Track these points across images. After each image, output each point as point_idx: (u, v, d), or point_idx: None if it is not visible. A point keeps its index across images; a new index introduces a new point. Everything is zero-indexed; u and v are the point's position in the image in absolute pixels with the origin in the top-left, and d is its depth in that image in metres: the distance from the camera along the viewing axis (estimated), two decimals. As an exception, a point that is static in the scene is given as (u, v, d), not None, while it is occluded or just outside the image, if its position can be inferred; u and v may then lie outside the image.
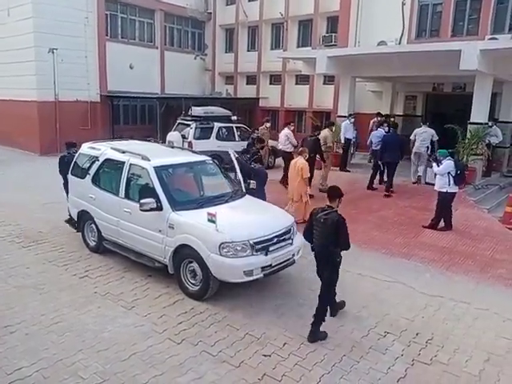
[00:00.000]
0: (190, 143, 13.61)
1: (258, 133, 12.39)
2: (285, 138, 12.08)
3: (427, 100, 16.54)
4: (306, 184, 9.00)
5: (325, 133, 11.87)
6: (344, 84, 14.37)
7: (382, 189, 11.42)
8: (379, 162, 11.64)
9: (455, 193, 8.72)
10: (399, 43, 15.14)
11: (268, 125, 13.68)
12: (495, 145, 12.62)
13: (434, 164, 8.86)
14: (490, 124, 12.04)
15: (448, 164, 8.48)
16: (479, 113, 11.36)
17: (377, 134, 12.32)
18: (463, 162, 10.02)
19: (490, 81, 11.28)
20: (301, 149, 9.39)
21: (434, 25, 15.39)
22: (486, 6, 14.00)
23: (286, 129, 12.35)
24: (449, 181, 8.47)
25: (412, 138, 12.19)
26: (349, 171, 13.37)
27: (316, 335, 4.90)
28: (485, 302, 5.88)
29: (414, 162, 12.19)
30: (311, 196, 9.42)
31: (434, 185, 9.09)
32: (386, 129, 11.98)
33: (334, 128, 12.50)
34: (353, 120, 13.84)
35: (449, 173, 8.45)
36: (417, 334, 5.08)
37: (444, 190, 8.57)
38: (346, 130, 13.57)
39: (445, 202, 8.66)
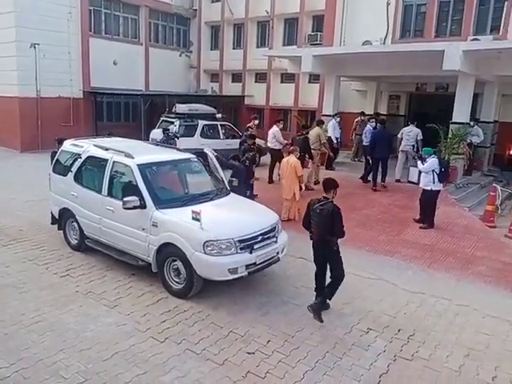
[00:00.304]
0: (174, 141, 13.54)
1: (253, 131, 12.45)
2: (271, 136, 12.13)
3: (411, 100, 16.75)
4: (301, 181, 9.14)
5: (317, 131, 11.93)
6: (329, 83, 14.45)
7: (370, 185, 11.65)
8: (368, 158, 11.97)
9: (439, 190, 8.89)
10: (384, 43, 15.28)
11: (256, 122, 13.69)
12: (476, 144, 12.82)
13: (419, 162, 8.99)
14: (471, 124, 12.24)
15: (432, 162, 8.64)
16: (461, 113, 11.53)
17: (368, 131, 12.69)
18: (446, 159, 10.18)
19: (471, 81, 11.46)
20: (292, 147, 9.52)
21: (418, 25, 15.59)
22: (468, 7, 14.24)
23: (274, 126, 12.42)
24: (433, 178, 8.62)
25: (399, 136, 12.36)
26: (334, 169, 13.47)
27: (320, 314, 5.31)
28: (465, 298, 5.98)
29: (400, 159, 12.38)
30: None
31: (416, 183, 9.21)
32: (373, 125, 12.23)
33: (323, 126, 12.59)
34: (338, 119, 13.94)
35: (433, 170, 8.59)
36: (399, 331, 5.14)
37: (429, 188, 8.71)
38: (334, 129, 13.67)
39: (429, 200, 8.80)
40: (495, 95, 13.38)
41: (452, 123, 11.55)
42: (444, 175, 8.77)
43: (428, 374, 4.42)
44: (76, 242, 7.19)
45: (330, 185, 5.34)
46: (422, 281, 6.57)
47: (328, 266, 5.42)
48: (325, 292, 5.44)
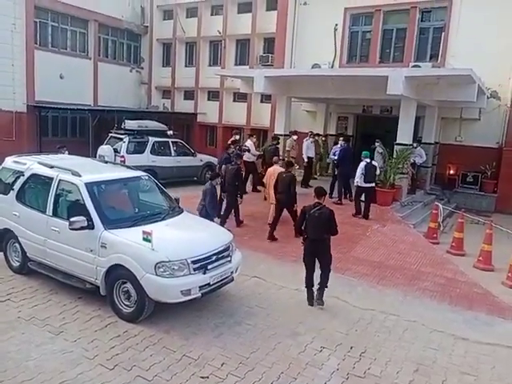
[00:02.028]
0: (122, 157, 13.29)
1: (244, 146, 12.89)
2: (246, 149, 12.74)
3: (358, 121, 17.40)
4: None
5: (289, 143, 13.22)
6: (280, 103, 14.74)
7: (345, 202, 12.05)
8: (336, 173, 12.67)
9: (364, 187, 10.67)
10: (332, 66, 15.87)
11: (237, 137, 13.95)
12: (419, 164, 13.50)
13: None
14: (414, 145, 12.88)
15: (360, 165, 10.62)
16: (404, 134, 12.09)
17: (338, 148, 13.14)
18: (375, 165, 11.05)
19: (414, 105, 12.10)
20: (275, 158, 10.71)
21: (363, 51, 16.37)
22: (409, 35, 15.16)
23: (248, 140, 13.43)
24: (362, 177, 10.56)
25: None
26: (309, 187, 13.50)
27: (322, 299, 6.19)
28: (413, 313, 6.20)
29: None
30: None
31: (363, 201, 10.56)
32: (342, 143, 12.90)
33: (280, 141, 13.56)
34: (311, 139, 14.11)
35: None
36: (351, 348, 5.22)
37: (357, 184, 10.69)
38: (308, 149, 13.90)
39: (356, 194, 10.88)
40: (435, 118, 14.21)
41: (396, 144, 12.10)
42: (367, 176, 10.61)
43: (380, 391, 4.50)
44: (18, 264, 6.78)
45: (322, 192, 6.28)
46: (372, 297, 6.74)
47: (317, 262, 6.22)
48: (321, 283, 6.21)
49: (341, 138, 13.45)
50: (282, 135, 14.13)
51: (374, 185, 10.92)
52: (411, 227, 10.55)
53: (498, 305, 6.70)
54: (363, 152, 11.05)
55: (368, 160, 10.75)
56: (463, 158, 14.38)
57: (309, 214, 6.10)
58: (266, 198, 11.14)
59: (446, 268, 8.12)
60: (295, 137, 13.56)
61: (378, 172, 11.03)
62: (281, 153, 12.90)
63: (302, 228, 6.32)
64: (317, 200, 6.19)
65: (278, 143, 12.99)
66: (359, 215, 10.75)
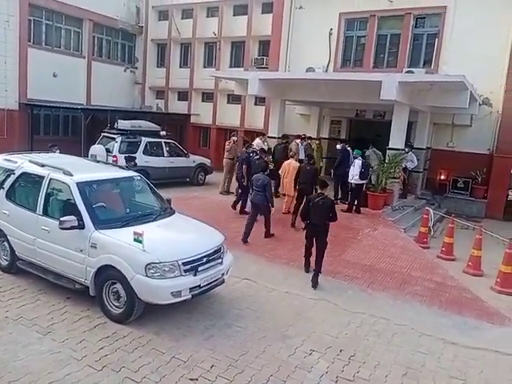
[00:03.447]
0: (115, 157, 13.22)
1: (265, 144, 13.19)
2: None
3: (351, 125, 17.48)
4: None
5: (295, 145, 13.35)
6: (274, 106, 14.76)
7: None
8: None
9: (360, 184, 11.23)
10: (326, 70, 15.94)
11: (235, 138, 13.96)
12: (411, 169, 13.59)
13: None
14: (406, 150, 12.96)
15: (357, 163, 11.11)
16: (397, 139, 12.16)
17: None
18: (369, 163, 11.55)
19: (406, 110, 12.17)
20: (291, 153, 11.90)
21: (357, 55, 16.46)
22: (403, 41, 15.28)
23: (257, 139, 13.57)
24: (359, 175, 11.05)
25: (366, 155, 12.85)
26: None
27: (317, 282, 7.08)
28: (402, 317, 6.23)
29: None
30: None
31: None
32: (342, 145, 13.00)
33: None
34: (305, 143, 14.14)
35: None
36: (340, 351, 5.23)
37: (353, 181, 11.16)
38: (300, 151, 13.90)
39: (353, 191, 11.39)
40: (428, 124, 14.33)
41: (388, 149, 12.17)
42: (363, 174, 11.13)
43: (368, 394, 4.51)
44: (6, 263, 6.72)
45: (325, 184, 7.42)
46: (362, 301, 6.76)
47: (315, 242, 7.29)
48: (316, 268, 7.13)
49: (339, 143, 13.60)
50: (275, 138, 14.15)
51: (366, 181, 11.52)
52: (402, 231, 10.61)
53: (486, 310, 6.75)
54: (355, 150, 11.65)
55: (361, 158, 11.35)
56: (454, 164, 14.51)
57: (313, 203, 7.06)
58: (277, 195, 11.76)
59: (436, 272, 8.17)
60: (298, 140, 13.65)
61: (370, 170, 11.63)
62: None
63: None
64: (320, 190, 7.30)
65: (288, 142, 13.50)
66: (350, 212, 11.26)
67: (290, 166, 10.86)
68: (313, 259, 7.36)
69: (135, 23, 21.91)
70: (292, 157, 11.44)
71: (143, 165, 13.51)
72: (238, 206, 11.32)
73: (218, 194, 13.44)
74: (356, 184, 11.26)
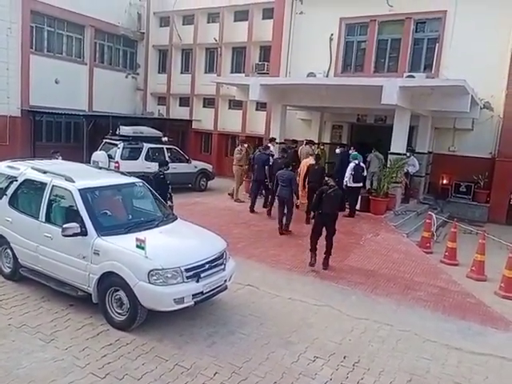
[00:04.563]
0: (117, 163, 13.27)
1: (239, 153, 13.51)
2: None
3: (352, 130, 17.48)
4: None
5: (307, 149, 13.56)
6: (275, 111, 14.79)
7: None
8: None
9: (354, 187, 11.46)
10: (327, 76, 15.97)
11: (245, 145, 14.19)
12: (413, 174, 13.58)
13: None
14: (408, 154, 12.96)
15: (350, 165, 11.40)
16: (398, 144, 12.17)
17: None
18: (362, 166, 11.69)
19: (407, 115, 12.19)
20: (310, 151, 12.77)
21: (358, 60, 16.49)
22: (404, 46, 15.31)
23: (270, 145, 13.55)
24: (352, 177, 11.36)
25: (368, 159, 12.93)
26: None
27: (328, 264, 8.06)
28: (406, 323, 6.19)
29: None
30: None
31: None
32: (341, 149, 13.39)
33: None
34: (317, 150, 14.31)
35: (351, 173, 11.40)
36: (344, 358, 5.20)
37: (346, 184, 11.33)
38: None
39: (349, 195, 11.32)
40: (429, 128, 14.32)
41: (390, 153, 12.17)
42: (357, 177, 11.42)
43: (373, 401, 4.48)
44: (9, 270, 6.71)
45: (332, 176, 8.39)
46: (366, 306, 6.73)
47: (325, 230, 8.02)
48: (326, 251, 8.04)
49: (338, 147, 13.81)
50: (278, 143, 14.18)
51: (361, 185, 11.72)
52: (405, 236, 10.58)
53: (490, 315, 6.72)
54: (352, 154, 11.90)
55: (356, 161, 11.52)
56: (456, 168, 14.49)
57: (326, 194, 7.79)
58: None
59: (440, 277, 8.14)
60: (307, 146, 13.81)
61: (364, 173, 11.83)
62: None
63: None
64: (331, 183, 8.02)
65: (296, 147, 14.18)
66: (352, 217, 11.36)
67: (306, 165, 11.47)
68: (319, 253, 8.06)
69: (136, 29, 22.04)
70: (311, 155, 12.04)
71: (145, 171, 13.52)
72: (255, 208, 11.77)
73: (233, 201, 13.20)
74: (350, 187, 11.37)
